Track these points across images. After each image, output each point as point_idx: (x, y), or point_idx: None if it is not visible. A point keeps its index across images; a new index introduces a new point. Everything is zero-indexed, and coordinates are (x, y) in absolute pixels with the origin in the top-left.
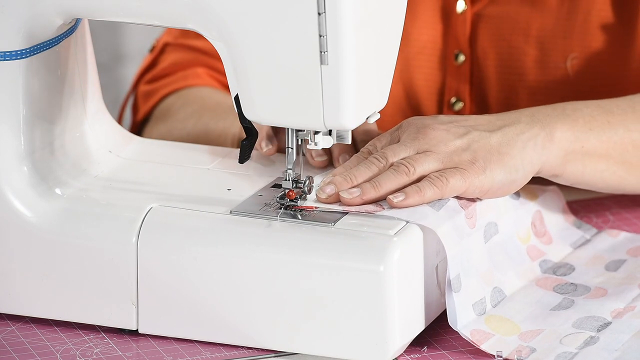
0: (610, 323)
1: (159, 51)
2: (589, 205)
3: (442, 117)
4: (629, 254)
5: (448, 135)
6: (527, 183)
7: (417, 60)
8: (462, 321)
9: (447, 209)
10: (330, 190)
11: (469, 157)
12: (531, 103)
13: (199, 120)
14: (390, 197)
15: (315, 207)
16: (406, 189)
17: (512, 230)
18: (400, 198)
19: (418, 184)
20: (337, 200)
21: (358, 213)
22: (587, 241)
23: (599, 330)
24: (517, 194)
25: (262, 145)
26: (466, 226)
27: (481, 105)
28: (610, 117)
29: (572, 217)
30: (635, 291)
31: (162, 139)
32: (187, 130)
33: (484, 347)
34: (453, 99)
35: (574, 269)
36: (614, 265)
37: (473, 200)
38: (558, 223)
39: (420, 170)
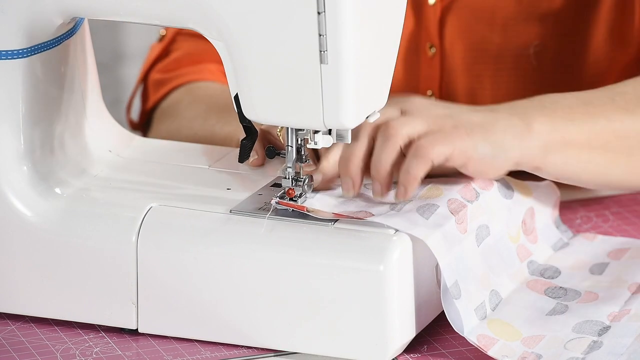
0: (609, 327)
1: (169, 40)
2: (589, 205)
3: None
4: (611, 257)
5: (429, 103)
6: (522, 179)
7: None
8: (467, 327)
9: (437, 216)
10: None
11: (452, 123)
12: (496, 93)
13: (205, 122)
14: (394, 197)
15: (307, 210)
16: (400, 180)
17: (504, 230)
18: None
19: (404, 168)
20: (327, 187)
21: (348, 220)
22: (566, 244)
23: (600, 335)
24: (511, 193)
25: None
26: (457, 232)
27: (449, 97)
28: (589, 108)
29: (556, 214)
30: (626, 294)
31: (170, 137)
32: (194, 130)
33: (491, 352)
34: (429, 92)
35: (560, 272)
36: (598, 269)
37: (463, 205)
38: (544, 220)
39: (406, 132)
